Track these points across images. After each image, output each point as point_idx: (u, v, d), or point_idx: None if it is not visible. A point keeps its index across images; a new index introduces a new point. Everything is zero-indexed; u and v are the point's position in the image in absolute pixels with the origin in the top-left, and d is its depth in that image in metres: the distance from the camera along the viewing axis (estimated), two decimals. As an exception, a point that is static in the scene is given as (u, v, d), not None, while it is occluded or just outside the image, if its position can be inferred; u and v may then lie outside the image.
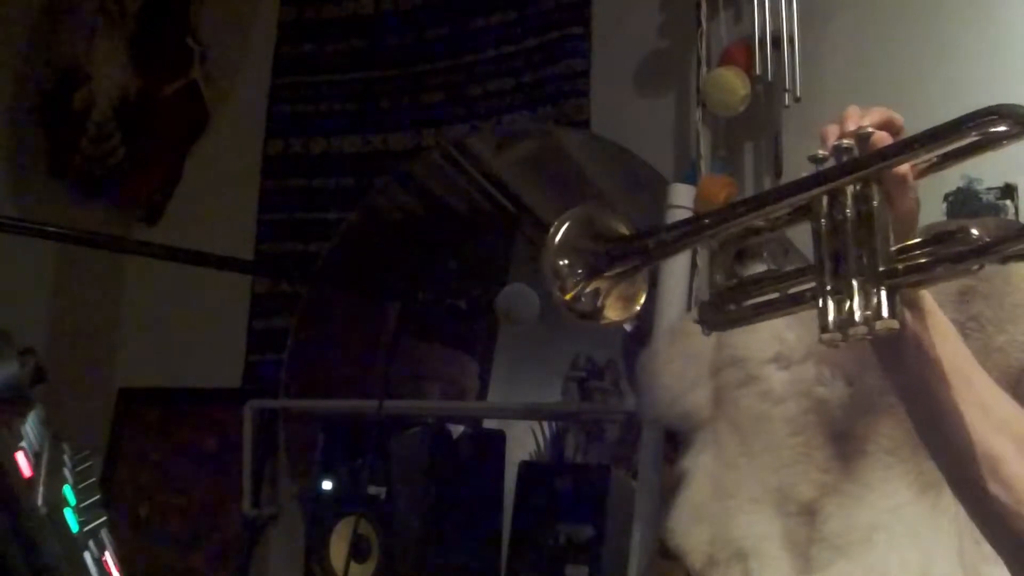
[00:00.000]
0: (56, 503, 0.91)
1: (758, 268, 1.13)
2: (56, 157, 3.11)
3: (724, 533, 1.77)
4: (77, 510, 0.93)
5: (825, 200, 0.97)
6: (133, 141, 3.04)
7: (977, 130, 0.89)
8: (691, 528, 1.81)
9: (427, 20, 2.75)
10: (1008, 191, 1.87)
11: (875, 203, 0.95)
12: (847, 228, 0.95)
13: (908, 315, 0.96)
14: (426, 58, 2.73)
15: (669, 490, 1.93)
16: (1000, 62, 2.03)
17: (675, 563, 1.90)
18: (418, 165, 2.71)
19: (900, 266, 0.93)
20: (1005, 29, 2.05)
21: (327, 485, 2.38)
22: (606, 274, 1.05)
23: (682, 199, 2.11)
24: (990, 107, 0.88)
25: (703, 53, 2.23)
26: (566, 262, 1.05)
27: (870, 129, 0.97)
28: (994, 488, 0.96)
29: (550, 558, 2.22)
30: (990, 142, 0.90)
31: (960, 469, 0.99)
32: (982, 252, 0.91)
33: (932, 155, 0.94)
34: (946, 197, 1.86)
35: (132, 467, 2.91)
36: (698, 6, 2.24)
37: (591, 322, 1.08)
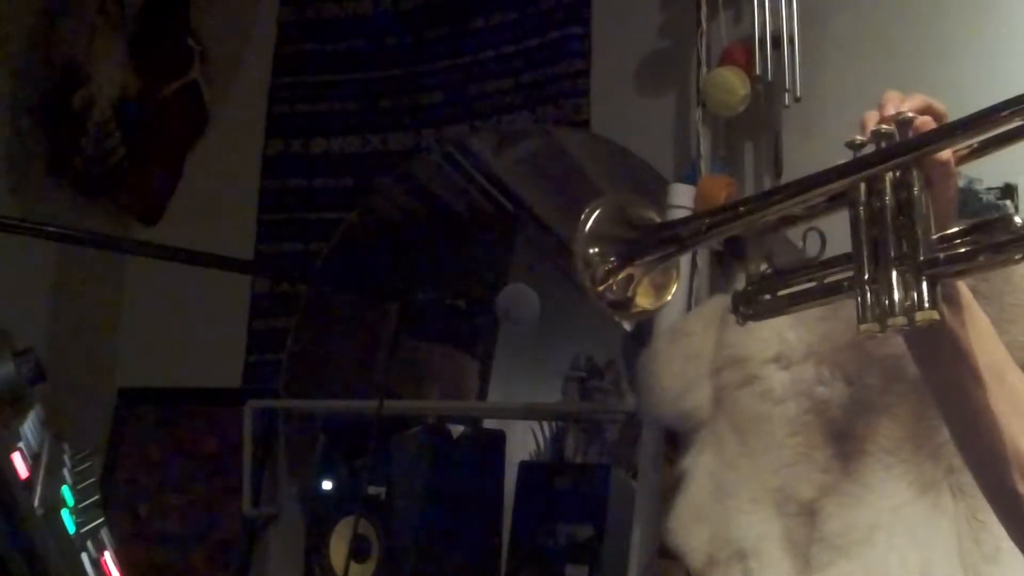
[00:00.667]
0: (53, 504, 0.91)
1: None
2: (56, 157, 3.11)
3: (724, 533, 1.77)
4: (75, 511, 0.93)
5: (863, 187, 0.95)
6: (133, 141, 3.04)
7: (1020, 116, 0.88)
8: (691, 528, 1.81)
9: (427, 20, 2.74)
10: (1008, 191, 1.87)
11: (916, 190, 0.93)
12: (887, 216, 0.93)
13: (945, 309, 0.94)
14: (426, 58, 2.73)
15: (669, 490, 1.93)
16: (1000, 62, 2.03)
17: (675, 563, 1.90)
18: (418, 165, 2.71)
19: (941, 255, 0.92)
20: (1005, 29, 2.05)
21: (327, 485, 2.38)
22: (639, 262, 1.04)
23: (682, 199, 2.11)
24: None
25: (703, 53, 2.22)
26: (596, 250, 1.02)
27: (910, 114, 0.95)
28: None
29: (550, 558, 2.22)
30: None
31: (990, 467, 0.98)
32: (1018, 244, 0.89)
33: (973, 141, 0.93)
34: (946, 197, 1.85)
35: (132, 467, 2.91)
36: (698, 6, 2.23)
37: (622, 312, 1.06)
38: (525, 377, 2.57)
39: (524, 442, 2.45)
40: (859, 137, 0.97)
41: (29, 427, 1.03)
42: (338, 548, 2.29)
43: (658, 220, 1.06)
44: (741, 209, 1.03)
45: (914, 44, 2.12)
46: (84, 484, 1.02)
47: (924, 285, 0.91)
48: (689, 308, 2.03)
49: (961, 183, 1.83)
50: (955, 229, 0.94)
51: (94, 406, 2.93)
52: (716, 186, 2.12)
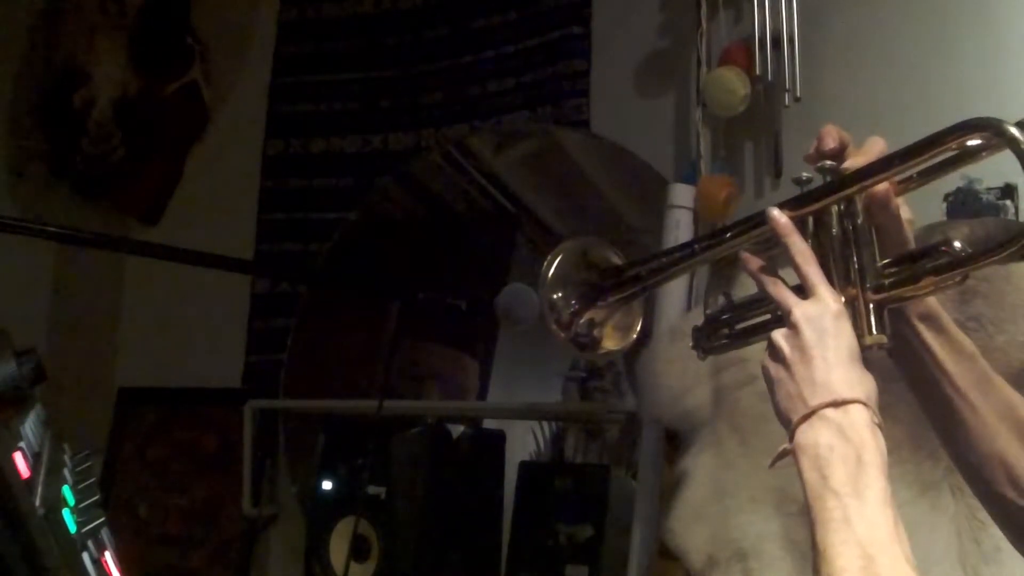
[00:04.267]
0: (54, 504, 0.91)
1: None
2: (56, 157, 3.11)
3: (724, 533, 1.77)
4: (75, 510, 0.93)
5: (811, 220, 0.98)
6: (133, 141, 3.04)
7: (955, 143, 0.91)
8: (691, 528, 1.81)
9: (427, 20, 2.74)
10: (1008, 191, 1.87)
11: (859, 221, 0.97)
12: (834, 247, 0.97)
13: (922, 326, 1.00)
14: (426, 58, 2.73)
15: (669, 490, 1.93)
16: (1000, 62, 2.03)
17: (675, 563, 1.90)
18: (418, 165, 2.71)
19: (887, 281, 0.95)
20: (1005, 29, 2.05)
21: (327, 485, 2.38)
22: (601, 303, 1.08)
23: (682, 199, 2.12)
24: (967, 120, 0.89)
25: (703, 53, 2.23)
26: (560, 295, 1.07)
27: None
28: (1011, 493, 0.99)
29: (550, 558, 2.22)
30: (968, 156, 0.92)
31: (978, 475, 1.02)
32: (963, 263, 0.92)
33: (911, 171, 0.95)
34: (946, 197, 1.86)
35: (132, 467, 2.91)
36: (698, 6, 2.23)
37: (590, 353, 1.11)
38: (525, 377, 2.57)
39: (524, 442, 2.45)
40: (804, 174, 1.00)
41: (30, 427, 1.03)
42: (338, 548, 2.29)
43: (619, 261, 1.09)
44: (696, 247, 1.08)
45: (914, 44, 2.12)
46: (84, 484, 1.02)
47: (872, 311, 0.94)
48: (689, 308, 2.04)
49: (961, 183, 1.83)
50: (900, 254, 0.97)
51: (94, 406, 2.93)
52: (716, 186, 2.12)
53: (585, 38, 2.51)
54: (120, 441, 2.93)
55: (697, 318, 1.72)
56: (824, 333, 0.92)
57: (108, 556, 0.96)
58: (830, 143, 1.00)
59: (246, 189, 2.90)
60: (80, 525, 0.91)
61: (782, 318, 0.96)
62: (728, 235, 1.04)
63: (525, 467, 2.36)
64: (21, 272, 3.01)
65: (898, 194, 0.98)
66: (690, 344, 1.13)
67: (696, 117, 2.24)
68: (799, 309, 0.93)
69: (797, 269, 0.96)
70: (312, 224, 2.82)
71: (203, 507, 2.81)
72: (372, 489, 2.25)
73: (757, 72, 2.15)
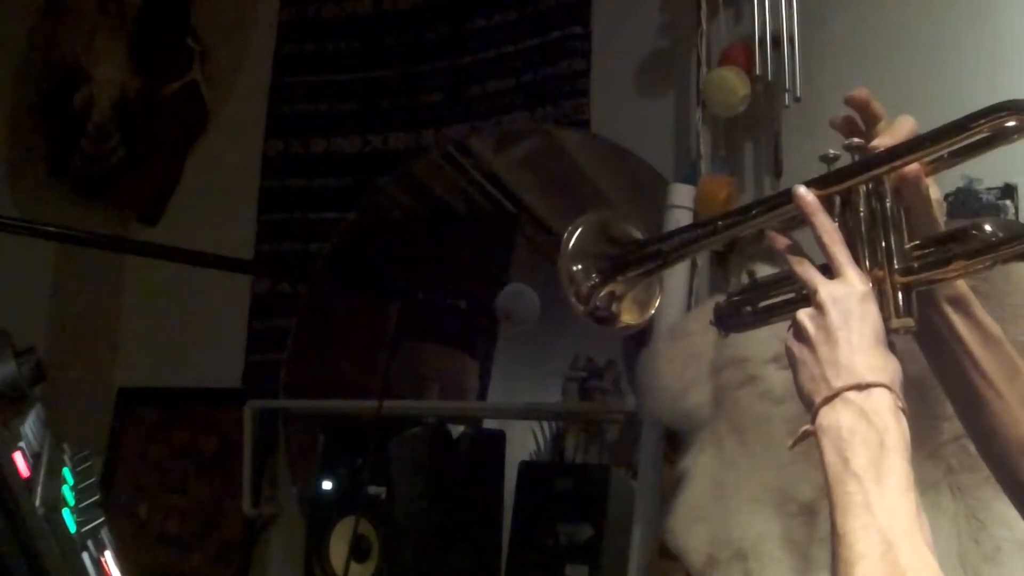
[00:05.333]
0: (54, 504, 0.91)
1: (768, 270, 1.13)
2: (56, 157, 3.11)
3: (724, 533, 1.77)
4: (75, 510, 0.93)
5: (838, 200, 0.97)
6: (133, 141, 3.04)
7: (988, 126, 0.90)
8: (691, 528, 1.81)
9: (427, 20, 2.75)
10: (1008, 191, 1.87)
11: (888, 202, 0.95)
12: (861, 227, 0.96)
13: (950, 310, 0.99)
14: (426, 58, 2.73)
15: (669, 490, 1.93)
16: (1000, 62, 2.03)
17: (675, 563, 1.90)
18: (418, 165, 2.71)
19: (916, 264, 0.94)
20: (1005, 29, 2.05)
21: (327, 485, 2.38)
22: (621, 277, 1.06)
23: (682, 199, 2.11)
24: (1001, 103, 0.89)
25: (703, 53, 2.23)
26: (580, 267, 1.06)
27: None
28: None
29: (550, 558, 2.22)
30: (1000, 138, 0.91)
31: (1000, 457, 1.01)
32: (995, 247, 0.91)
33: (942, 152, 0.94)
34: (946, 197, 1.85)
35: (132, 467, 2.91)
36: (698, 6, 2.23)
37: (608, 327, 1.10)
38: (525, 377, 2.57)
39: (524, 442, 2.45)
40: (832, 151, 0.99)
41: (30, 427, 1.03)
42: (338, 548, 2.29)
43: (640, 236, 1.08)
44: (720, 223, 1.06)
45: (914, 44, 2.12)
46: (84, 484, 1.02)
47: (900, 293, 0.93)
48: (689, 308, 2.03)
49: (961, 183, 1.83)
50: (930, 237, 0.96)
51: (94, 406, 2.93)
52: (716, 186, 2.12)
53: (585, 38, 2.51)
54: (120, 441, 2.93)
55: (698, 316, 1.72)
56: (850, 315, 0.90)
57: (108, 556, 0.96)
58: (864, 98, 0.99)
59: (246, 189, 2.91)
60: (80, 525, 0.91)
61: (807, 298, 0.94)
62: (753, 212, 1.02)
63: (525, 467, 2.36)
64: (21, 272, 3.01)
65: (928, 174, 0.97)
66: (711, 320, 1.12)
67: (696, 117, 2.23)
68: (825, 289, 0.92)
69: (824, 249, 0.94)
70: (312, 224, 2.82)
71: (203, 507, 2.80)
72: (372, 489, 2.25)
73: (757, 72, 2.15)
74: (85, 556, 0.91)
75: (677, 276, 2.05)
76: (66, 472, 1.02)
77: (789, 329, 0.96)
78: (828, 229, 0.94)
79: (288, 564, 2.67)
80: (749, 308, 1.08)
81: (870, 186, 0.96)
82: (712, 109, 2.19)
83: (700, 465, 1.83)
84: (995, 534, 1.45)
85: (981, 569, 1.47)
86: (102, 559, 0.94)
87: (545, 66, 2.56)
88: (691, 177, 2.18)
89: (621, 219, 1.09)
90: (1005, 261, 0.91)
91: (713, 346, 1.82)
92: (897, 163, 0.94)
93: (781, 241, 0.99)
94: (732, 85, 2.14)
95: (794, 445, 0.92)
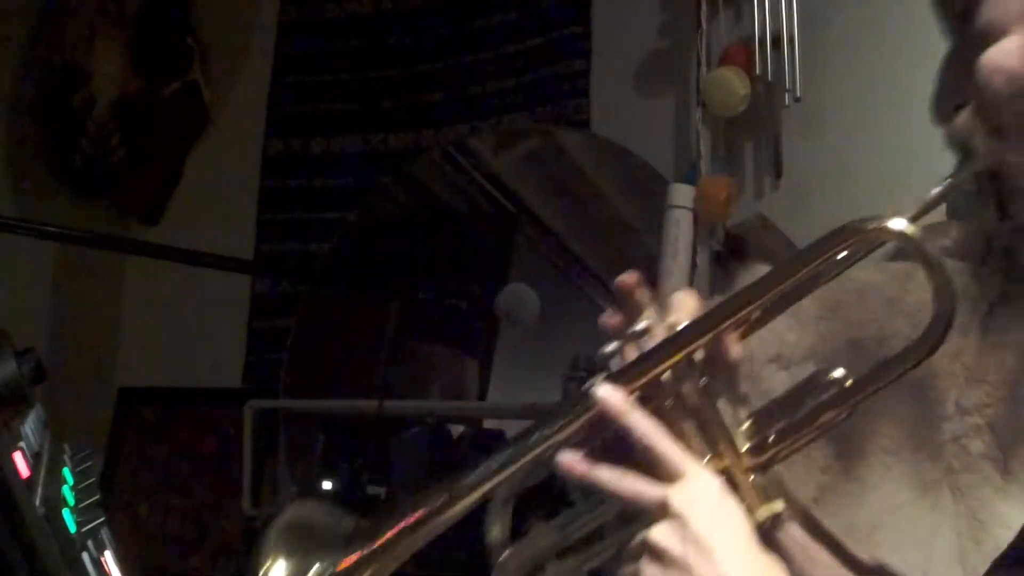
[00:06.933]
0: (54, 503, 0.91)
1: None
2: (56, 157, 3.11)
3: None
4: (75, 510, 0.93)
5: (648, 390, 0.82)
6: (133, 141, 3.04)
7: (824, 259, 0.80)
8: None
9: (427, 20, 2.75)
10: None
11: (707, 378, 0.82)
12: (686, 414, 0.81)
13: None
14: (426, 58, 2.73)
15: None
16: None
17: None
18: (418, 165, 2.71)
19: (763, 438, 0.82)
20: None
21: (327, 485, 2.38)
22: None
23: (682, 199, 2.12)
24: (836, 231, 0.79)
25: (703, 53, 2.23)
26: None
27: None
28: None
29: (550, 558, 2.22)
30: (832, 271, 0.83)
31: None
32: (853, 392, 0.80)
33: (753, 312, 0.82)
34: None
35: (132, 467, 2.91)
36: (698, 6, 2.23)
37: None
38: (525, 377, 2.57)
39: (524, 442, 2.45)
40: (606, 350, 0.85)
41: (30, 427, 1.03)
42: (338, 548, 2.29)
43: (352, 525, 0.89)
44: (494, 466, 0.91)
45: (914, 44, 2.12)
46: (84, 484, 1.02)
47: (754, 477, 0.81)
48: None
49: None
50: (771, 403, 0.83)
51: (94, 406, 2.93)
52: (716, 186, 2.12)
53: (585, 38, 2.51)
54: (120, 441, 2.93)
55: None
56: (716, 517, 0.75)
57: (108, 556, 0.96)
58: (633, 284, 0.87)
59: (246, 189, 2.90)
60: (80, 525, 0.91)
61: (639, 516, 0.79)
62: (553, 427, 0.84)
63: (525, 467, 2.36)
64: (21, 272, 3.01)
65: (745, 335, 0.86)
66: None
67: (696, 117, 2.24)
68: (677, 495, 0.76)
69: (650, 452, 0.79)
70: (312, 224, 2.82)
71: (203, 507, 2.81)
72: (372, 489, 2.25)
73: (757, 72, 2.15)
74: (85, 556, 0.91)
75: (677, 276, 2.05)
76: (66, 472, 1.02)
77: (639, 561, 0.78)
78: (647, 428, 0.79)
79: (288, 564, 2.66)
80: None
81: (683, 367, 0.81)
82: (712, 109, 2.19)
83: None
84: (995, 534, 1.45)
85: (981, 569, 1.47)
86: (102, 559, 0.94)
87: (545, 66, 2.56)
88: (691, 177, 2.18)
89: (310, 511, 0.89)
90: (869, 397, 0.80)
91: (713, 346, 1.82)
92: (710, 335, 0.81)
93: (579, 467, 0.82)
94: (732, 85, 2.14)
95: None
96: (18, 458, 0.92)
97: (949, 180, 0.82)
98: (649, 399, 0.81)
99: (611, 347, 0.85)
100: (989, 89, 0.80)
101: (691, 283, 2.08)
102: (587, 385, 0.81)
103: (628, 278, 0.88)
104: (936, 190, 0.81)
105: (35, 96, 3.19)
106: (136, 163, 3.05)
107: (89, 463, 1.08)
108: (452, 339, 2.67)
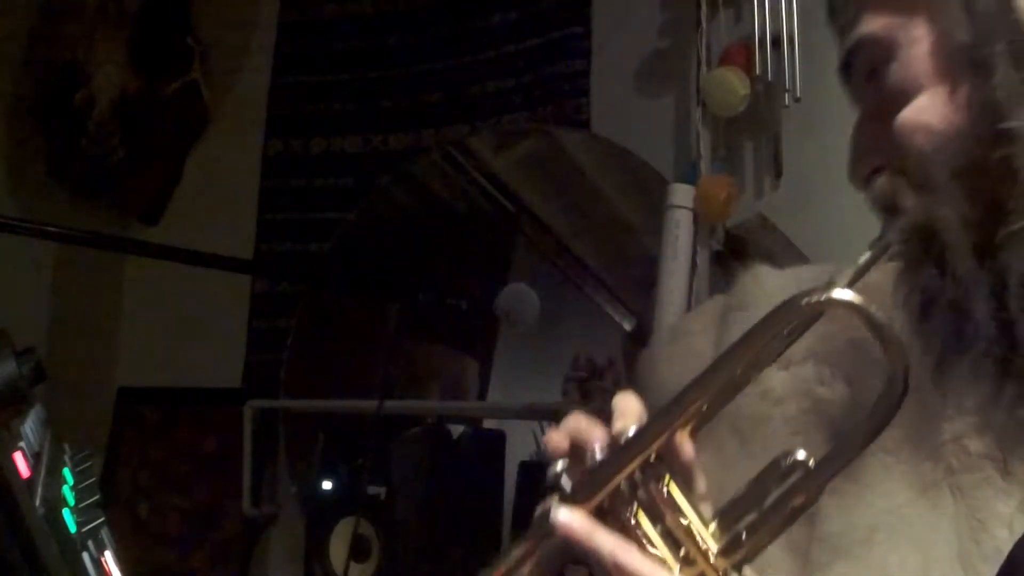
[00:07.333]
0: (54, 504, 0.91)
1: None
2: (56, 157, 3.11)
3: (724, 533, 1.76)
4: (75, 510, 0.93)
5: (606, 504, 0.78)
6: (133, 141, 3.04)
7: (765, 340, 0.78)
8: (691, 528, 1.81)
9: (427, 20, 2.75)
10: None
11: (665, 481, 0.78)
12: (648, 524, 0.77)
13: None
14: (426, 58, 2.73)
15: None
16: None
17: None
18: (418, 165, 2.71)
19: (735, 534, 0.79)
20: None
21: (327, 485, 2.38)
22: None
23: (682, 199, 2.12)
24: (767, 318, 0.78)
25: (703, 53, 2.23)
26: None
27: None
28: None
29: (550, 558, 2.22)
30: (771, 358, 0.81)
31: None
32: (817, 474, 0.79)
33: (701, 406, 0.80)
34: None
35: (132, 467, 2.91)
36: (698, 6, 2.24)
37: None
38: (525, 377, 2.57)
39: (524, 442, 2.46)
40: (554, 471, 0.81)
41: (30, 427, 1.03)
42: (338, 548, 2.29)
43: None
44: None
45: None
46: (84, 484, 1.02)
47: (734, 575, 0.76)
48: (689, 308, 2.03)
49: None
50: (737, 497, 0.81)
51: (94, 406, 2.93)
52: (716, 186, 2.12)
53: (585, 38, 2.52)
54: (120, 441, 2.93)
55: (698, 316, 1.71)
56: None
57: (108, 556, 0.96)
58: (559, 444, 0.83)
59: (246, 189, 2.90)
60: (80, 525, 0.91)
61: None
62: (513, 566, 0.79)
63: (525, 467, 2.36)
64: (21, 272, 3.01)
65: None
66: None
67: (696, 117, 2.24)
68: None
69: (622, 570, 0.74)
70: (312, 224, 2.82)
71: (203, 507, 2.81)
72: (372, 489, 2.25)
73: (757, 72, 2.15)
74: (85, 556, 0.91)
75: (677, 276, 2.05)
76: (66, 472, 1.02)
77: None
78: (614, 547, 0.74)
79: (288, 564, 2.67)
80: None
81: (638, 474, 0.78)
82: (712, 109, 2.19)
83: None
84: (995, 534, 1.44)
85: (981, 569, 1.46)
86: (102, 559, 0.94)
87: (545, 66, 2.56)
88: (691, 177, 2.18)
89: None
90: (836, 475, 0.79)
91: (713, 346, 1.82)
92: (666, 435, 0.80)
93: None
94: (732, 85, 2.14)
95: None
96: (18, 458, 0.92)
97: (880, 242, 0.82)
98: (608, 512, 0.77)
99: (559, 466, 0.81)
100: (912, 147, 0.81)
101: (691, 283, 2.08)
102: (539, 512, 0.79)
103: (556, 444, 0.83)
104: (866, 255, 0.81)
105: (35, 96, 3.19)
106: (136, 163, 3.05)
107: (89, 463, 1.08)
108: (452, 339, 2.67)
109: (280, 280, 2.89)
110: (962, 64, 0.81)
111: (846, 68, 0.91)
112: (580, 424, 0.84)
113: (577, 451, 0.82)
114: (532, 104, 2.57)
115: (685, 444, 0.83)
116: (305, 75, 2.90)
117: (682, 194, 2.12)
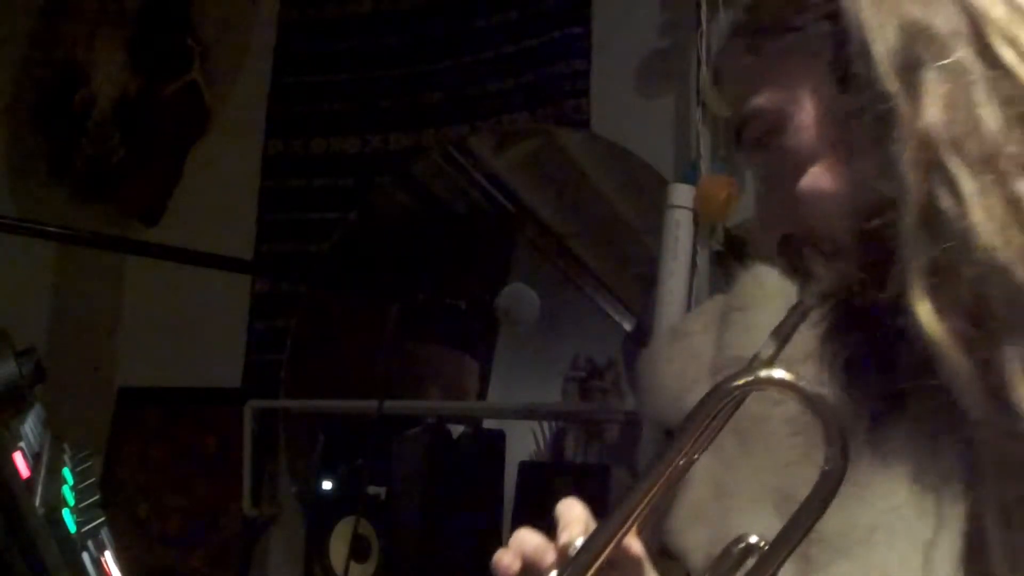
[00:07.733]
0: (54, 504, 0.91)
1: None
2: (56, 157, 3.11)
3: (724, 533, 1.76)
4: (75, 511, 0.93)
5: None
6: (133, 141, 3.04)
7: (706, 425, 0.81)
8: (691, 528, 1.81)
9: (427, 20, 2.75)
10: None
11: None
12: None
13: None
14: (426, 58, 2.73)
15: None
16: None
17: (675, 563, 1.90)
18: (418, 165, 2.71)
19: None
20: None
21: (327, 485, 2.38)
22: None
23: (682, 199, 2.11)
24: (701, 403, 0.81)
25: (703, 53, 2.23)
26: None
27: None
28: None
29: (550, 558, 2.22)
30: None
31: None
32: (772, 553, 0.81)
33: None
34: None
35: (132, 467, 2.91)
36: (698, 6, 2.23)
37: None
38: (525, 377, 2.57)
39: (524, 442, 2.46)
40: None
41: (30, 427, 1.03)
42: (338, 548, 2.29)
43: None
44: None
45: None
46: (84, 484, 1.02)
47: None
48: (689, 308, 2.03)
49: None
50: None
51: (94, 406, 2.93)
52: (716, 186, 2.12)
53: (585, 38, 2.51)
54: (120, 441, 2.93)
55: (698, 316, 1.71)
56: None
57: (108, 556, 0.96)
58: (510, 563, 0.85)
59: (246, 189, 2.90)
60: (80, 525, 0.91)
61: None
62: None
63: (525, 467, 2.36)
64: (21, 272, 3.01)
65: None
66: None
67: (696, 117, 2.24)
68: None
69: None
70: (312, 224, 2.82)
71: (203, 507, 2.81)
72: (372, 489, 2.25)
73: (757, 72, 2.15)
74: (85, 556, 0.91)
75: (677, 276, 2.05)
76: (66, 472, 1.02)
77: None
78: None
79: (288, 564, 2.67)
80: None
81: None
82: (712, 109, 2.19)
83: (700, 465, 1.83)
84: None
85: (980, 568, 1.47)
86: (102, 559, 0.94)
87: (545, 66, 2.56)
88: (691, 177, 2.18)
89: None
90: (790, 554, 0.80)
91: (713, 346, 1.82)
92: (614, 542, 0.83)
93: None
94: (732, 85, 2.14)
95: None
96: (18, 458, 0.92)
97: (796, 310, 0.84)
98: None
99: None
100: (814, 215, 0.83)
101: (690, 283, 2.08)
102: None
103: (507, 567, 0.88)
104: (787, 323, 0.83)
105: (35, 96, 3.19)
106: (136, 163, 3.05)
107: (89, 463, 1.08)
108: (452, 339, 2.67)
109: (280, 280, 2.89)
110: (842, 135, 0.82)
111: (737, 138, 0.91)
112: (528, 543, 0.88)
113: (529, 570, 0.86)
114: (532, 104, 2.57)
115: (633, 544, 0.86)
116: (305, 75, 2.90)
117: (682, 194, 2.12)
